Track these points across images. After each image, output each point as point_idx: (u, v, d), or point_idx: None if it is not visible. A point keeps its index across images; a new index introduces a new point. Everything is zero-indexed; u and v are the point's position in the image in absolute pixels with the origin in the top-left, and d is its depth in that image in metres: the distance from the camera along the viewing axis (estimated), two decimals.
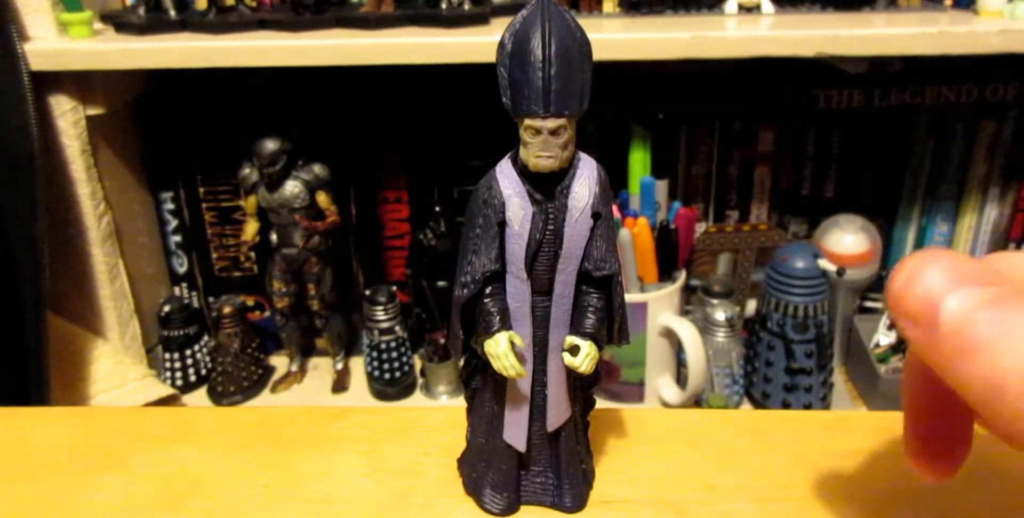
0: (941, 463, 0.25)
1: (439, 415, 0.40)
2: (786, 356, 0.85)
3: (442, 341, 0.92)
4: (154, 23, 0.79)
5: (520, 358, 0.31)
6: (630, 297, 0.82)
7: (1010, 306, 0.19)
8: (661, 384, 0.90)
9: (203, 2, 0.82)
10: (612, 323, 0.32)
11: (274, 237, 0.90)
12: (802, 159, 0.94)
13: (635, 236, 0.83)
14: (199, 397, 0.95)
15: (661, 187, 0.88)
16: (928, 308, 0.20)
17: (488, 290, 0.31)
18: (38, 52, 0.74)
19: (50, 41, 0.77)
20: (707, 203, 0.97)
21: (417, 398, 0.95)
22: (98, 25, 0.82)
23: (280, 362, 1.00)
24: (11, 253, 0.75)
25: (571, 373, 0.32)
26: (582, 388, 0.34)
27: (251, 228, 0.90)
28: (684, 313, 0.91)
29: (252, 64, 0.74)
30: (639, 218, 0.83)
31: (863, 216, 0.93)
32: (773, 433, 0.38)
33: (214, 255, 0.99)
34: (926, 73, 0.89)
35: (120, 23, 0.80)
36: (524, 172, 0.29)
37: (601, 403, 0.36)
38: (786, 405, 0.86)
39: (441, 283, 0.94)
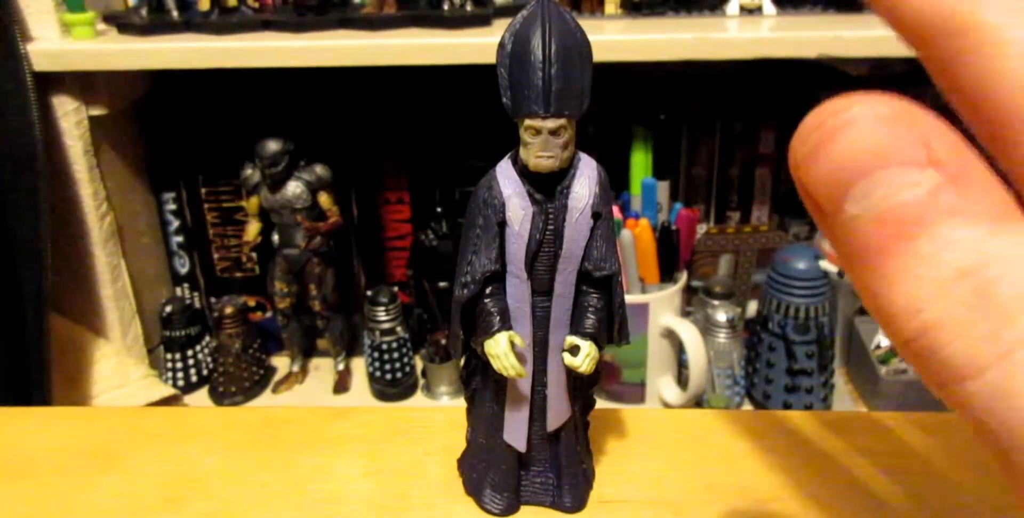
0: None
1: (439, 415, 0.40)
2: (787, 357, 0.85)
3: (443, 342, 0.92)
4: (157, 24, 0.79)
5: (520, 358, 0.31)
6: (631, 298, 0.82)
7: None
8: (662, 385, 0.90)
9: (206, 3, 0.82)
10: (612, 323, 0.32)
11: (276, 238, 0.91)
12: None
13: (636, 237, 0.83)
14: (200, 397, 0.95)
15: (662, 188, 0.88)
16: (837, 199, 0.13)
17: (488, 290, 0.31)
18: (41, 53, 0.74)
19: (53, 42, 0.77)
20: (708, 204, 0.97)
21: (418, 399, 0.95)
22: (101, 26, 0.82)
23: (281, 363, 1.00)
24: (13, 253, 0.75)
25: (571, 373, 0.32)
26: (582, 388, 0.34)
27: (253, 229, 0.91)
28: (685, 314, 0.91)
29: (254, 65, 0.74)
30: (640, 219, 0.83)
31: None
32: (773, 433, 0.38)
33: (216, 255, 0.99)
34: (927, 74, 0.89)
35: (123, 24, 0.80)
36: (524, 172, 0.29)
37: (602, 404, 0.36)
38: (787, 406, 0.86)
39: (442, 284, 0.94)
